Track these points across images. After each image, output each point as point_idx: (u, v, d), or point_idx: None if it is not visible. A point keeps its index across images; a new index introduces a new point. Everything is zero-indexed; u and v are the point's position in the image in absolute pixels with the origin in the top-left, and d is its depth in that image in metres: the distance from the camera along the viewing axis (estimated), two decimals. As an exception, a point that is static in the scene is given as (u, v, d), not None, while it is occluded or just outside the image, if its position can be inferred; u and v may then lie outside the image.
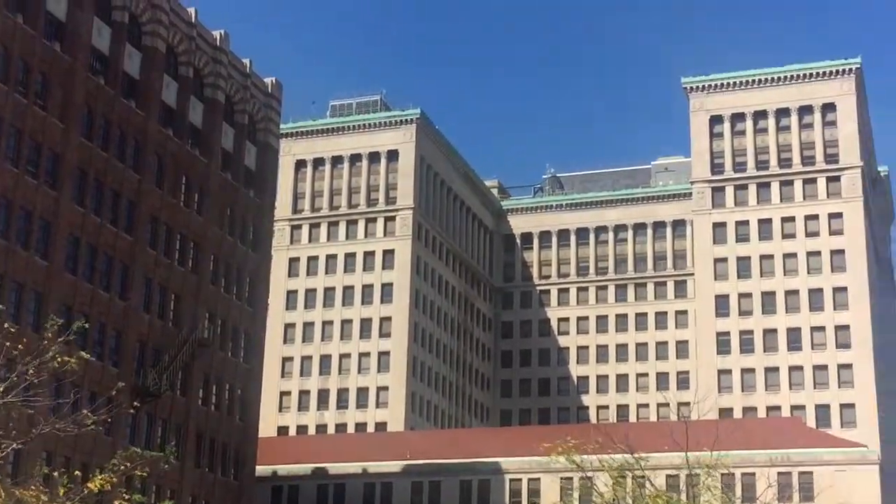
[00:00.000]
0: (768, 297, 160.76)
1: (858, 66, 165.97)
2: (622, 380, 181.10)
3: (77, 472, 39.99)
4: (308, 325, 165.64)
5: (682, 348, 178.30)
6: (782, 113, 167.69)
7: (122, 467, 36.19)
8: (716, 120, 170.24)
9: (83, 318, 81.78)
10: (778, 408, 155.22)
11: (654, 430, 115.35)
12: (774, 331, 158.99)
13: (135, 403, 69.16)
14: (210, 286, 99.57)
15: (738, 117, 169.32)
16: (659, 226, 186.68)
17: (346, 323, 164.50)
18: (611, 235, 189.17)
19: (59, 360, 36.01)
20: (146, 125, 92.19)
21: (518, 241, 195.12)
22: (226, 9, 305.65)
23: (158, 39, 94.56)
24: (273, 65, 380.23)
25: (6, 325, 40.42)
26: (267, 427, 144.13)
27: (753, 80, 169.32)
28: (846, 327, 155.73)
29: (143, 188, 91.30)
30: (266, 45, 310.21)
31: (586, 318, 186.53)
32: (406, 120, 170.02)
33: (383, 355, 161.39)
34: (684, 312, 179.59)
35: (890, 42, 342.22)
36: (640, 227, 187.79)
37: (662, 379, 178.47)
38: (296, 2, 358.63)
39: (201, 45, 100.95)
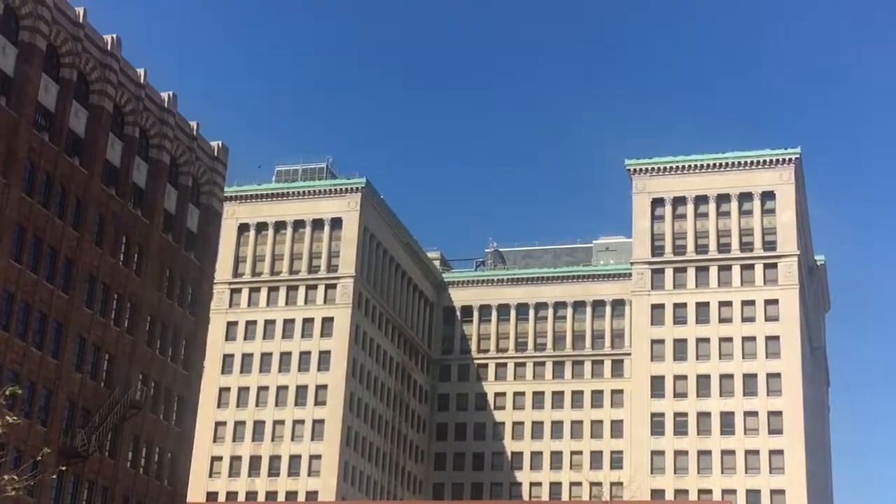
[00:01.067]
0: (703, 379, 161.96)
1: (798, 155, 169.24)
2: (556, 457, 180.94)
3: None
4: (243, 390, 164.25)
5: (617, 427, 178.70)
6: (723, 199, 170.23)
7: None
8: (657, 202, 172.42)
9: (13, 376, 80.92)
10: (710, 491, 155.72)
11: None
12: (708, 414, 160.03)
13: (61, 468, 67.78)
14: (145, 347, 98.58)
15: (679, 201, 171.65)
16: (598, 304, 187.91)
17: (281, 389, 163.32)
18: (550, 312, 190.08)
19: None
20: (89, 183, 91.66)
21: (458, 313, 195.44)
22: (175, 70, 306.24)
23: (106, 98, 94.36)
24: (221, 127, 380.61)
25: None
26: (196, 492, 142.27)
27: (695, 166, 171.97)
28: (779, 413, 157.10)
29: (82, 246, 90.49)
30: (214, 107, 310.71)
31: (523, 393, 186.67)
32: (351, 188, 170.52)
33: (318, 423, 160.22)
34: (620, 392, 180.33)
35: (829, 134, 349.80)
36: (579, 305, 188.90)
37: (596, 457, 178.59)
38: (247, 66, 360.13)
39: (149, 105, 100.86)
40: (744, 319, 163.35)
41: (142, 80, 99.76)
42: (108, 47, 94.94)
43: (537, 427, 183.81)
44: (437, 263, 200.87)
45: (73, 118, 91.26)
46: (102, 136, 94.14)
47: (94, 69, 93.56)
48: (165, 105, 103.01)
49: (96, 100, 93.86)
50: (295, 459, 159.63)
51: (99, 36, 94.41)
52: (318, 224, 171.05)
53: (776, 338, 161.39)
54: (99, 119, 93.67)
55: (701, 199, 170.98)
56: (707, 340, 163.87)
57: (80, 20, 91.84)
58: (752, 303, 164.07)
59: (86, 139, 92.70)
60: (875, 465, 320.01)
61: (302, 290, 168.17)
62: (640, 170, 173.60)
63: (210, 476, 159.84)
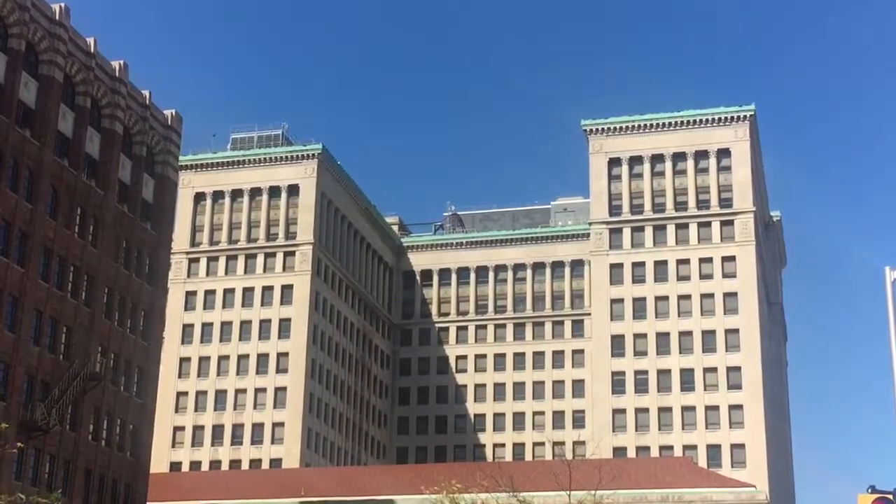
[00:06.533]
0: (662, 337, 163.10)
1: (752, 113, 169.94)
2: (519, 418, 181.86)
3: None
4: (204, 360, 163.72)
5: (578, 387, 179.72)
6: (678, 157, 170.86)
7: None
8: (614, 162, 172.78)
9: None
10: (671, 447, 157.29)
11: (540, 469, 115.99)
12: (668, 371, 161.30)
13: (18, 444, 67.24)
14: (103, 319, 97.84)
15: (635, 160, 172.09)
16: (557, 265, 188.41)
17: (242, 358, 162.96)
18: (510, 274, 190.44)
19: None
20: (41, 155, 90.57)
21: (418, 278, 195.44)
22: (127, 39, 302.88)
23: (56, 68, 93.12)
24: (174, 96, 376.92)
25: None
26: (159, 463, 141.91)
27: (651, 125, 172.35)
28: (737, 369, 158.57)
29: (36, 219, 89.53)
30: (168, 76, 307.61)
31: (484, 356, 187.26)
32: (308, 155, 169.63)
33: (280, 391, 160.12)
34: (581, 352, 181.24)
35: (783, 90, 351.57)
36: (538, 267, 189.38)
37: (559, 418, 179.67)
38: (200, 34, 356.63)
39: (100, 75, 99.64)
40: (701, 277, 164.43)
41: (92, 50, 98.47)
42: (57, 17, 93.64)
43: (499, 389, 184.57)
44: (395, 228, 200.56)
45: (23, 89, 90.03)
46: (53, 106, 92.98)
47: (43, 39, 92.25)
48: (116, 74, 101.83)
49: (46, 70, 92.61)
50: (258, 428, 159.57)
51: (47, 5, 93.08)
52: (274, 191, 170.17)
53: (734, 294, 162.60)
54: (49, 89, 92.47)
55: (657, 158, 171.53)
56: (665, 298, 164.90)
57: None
58: (709, 260, 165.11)
59: (37, 110, 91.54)
60: (831, 418, 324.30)
61: (260, 258, 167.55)
62: (597, 130, 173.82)
63: (173, 446, 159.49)
